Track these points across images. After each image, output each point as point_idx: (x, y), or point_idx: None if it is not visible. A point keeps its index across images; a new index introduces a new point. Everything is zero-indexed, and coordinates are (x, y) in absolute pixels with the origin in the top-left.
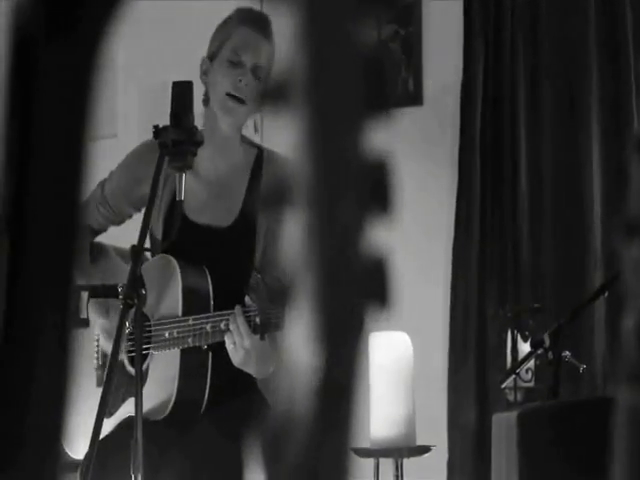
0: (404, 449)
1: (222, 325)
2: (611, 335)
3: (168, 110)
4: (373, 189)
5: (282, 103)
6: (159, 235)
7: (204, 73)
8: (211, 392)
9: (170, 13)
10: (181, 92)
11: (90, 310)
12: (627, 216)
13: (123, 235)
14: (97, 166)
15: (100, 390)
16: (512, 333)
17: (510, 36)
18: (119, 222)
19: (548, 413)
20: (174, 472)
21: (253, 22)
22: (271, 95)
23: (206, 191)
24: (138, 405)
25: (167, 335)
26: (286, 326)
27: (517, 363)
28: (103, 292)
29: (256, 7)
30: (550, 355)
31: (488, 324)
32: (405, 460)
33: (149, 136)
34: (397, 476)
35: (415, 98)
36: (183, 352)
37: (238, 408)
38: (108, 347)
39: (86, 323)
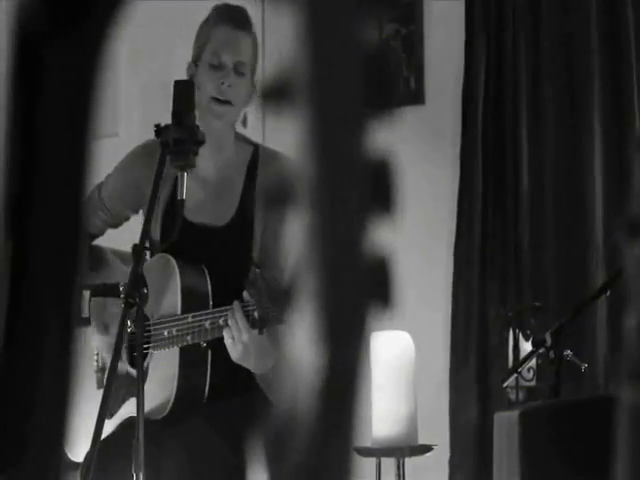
0: (406, 448)
1: (221, 321)
2: (613, 334)
3: (170, 109)
4: (376, 189)
5: (284, 103)
6: (157, 236)
7: (190, 77)
8: (211, 390)
9: (172, 12)
10: (183, 91)
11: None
12: (629, 215)
13: (119, 237)
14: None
15: (100, 392)
16: (514, 332)
17: (512, 35)
18: (117, 224)
19: (549, 412)
20: (175, 471)
21: (230, 19)
22: (273, 95)
23: (202, 190)
24: (140, 404)
25: (166, 334)
26: (289, 326)
27: (519, 362)
28: (105, 291)
29: (233, 2)
30: (552, 354)
31: (490, 323)
32: (407, 459)
33: (151, 135)
34: (399, 475)
35: (416, 97)
36: (182, 351)
37: (239, 406)
38: (108, 359)
39: (87, 322)
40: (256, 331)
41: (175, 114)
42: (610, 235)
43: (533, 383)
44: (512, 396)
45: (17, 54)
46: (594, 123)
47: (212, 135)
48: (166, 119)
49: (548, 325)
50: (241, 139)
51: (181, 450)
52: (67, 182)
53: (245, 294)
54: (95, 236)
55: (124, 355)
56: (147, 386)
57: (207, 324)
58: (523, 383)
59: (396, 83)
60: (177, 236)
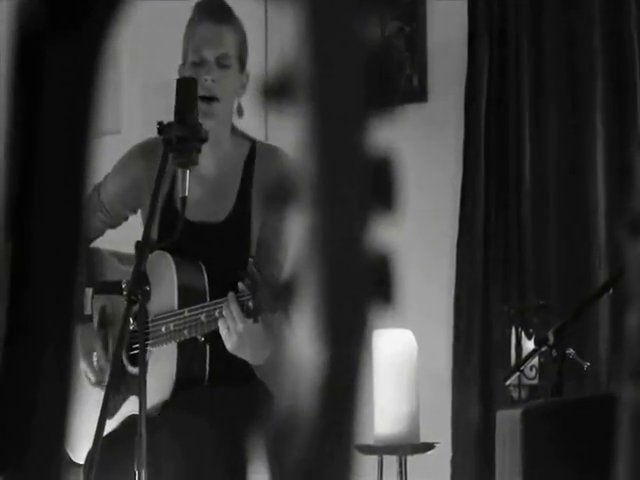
0: (408, 446)
1: (216, 313)
2: (615, 333)
3: (172, 106)
4: (377, 186)
5: (286, 101)
6: (154, 234)
7: None
8: (210, 384)
9: (175, 10)
10: (185, 89)
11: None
12: (632, 214)
13: (116, 237)
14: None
15: (98, 391)
16: (516, 330)
17: (514, 33)
18: (116, 225)
19: (552, 411)
20: (175, 467)
21: (210, 14)
22: (275, 93)
23: (199, 187)
24: (142, 401)
25: (164, 330)
26: (289, 323)
27: (521, 360)
28: (107, 289)
29: None
30: (554, 353)
31: (492, 321)
32: (409, 457)
33: (153, 132)
34: (401, 473)
35: (419, 95)
36: (180, 346)
37: (239, 399)
38: (102, 363)
39: (89, 319)
40: (251, 321)
41: (178, 112)
42: (613, 234)
43: (536, 381)
44: (514, 394)
45: (17, 53)
46: (597, 122)
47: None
48: (168, 117)
49: (551, 323)
50: (238, 135)
51: (181, 447)
52: (67, 181)
53: (240, 285)
54: (95, 237)
55: (123, 354)
56: (147, 383)
57: (203, 317)
58: (525, 381)
59: (398, 81)
60: (177, 234)
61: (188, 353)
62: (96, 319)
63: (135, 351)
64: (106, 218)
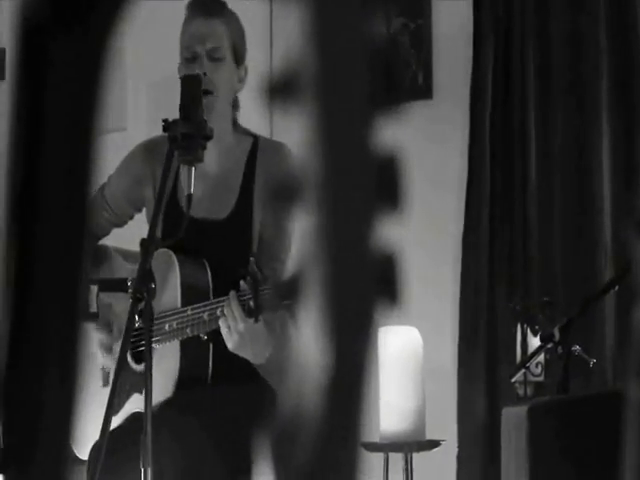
0: (413, 443)
1: (218, 312)
2: (621, 329)
3: (178, 103)
4: (383, 185)
5: (291, 100)
6: (159, 231)
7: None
8: (213, 382)
9: (181, 6)
10: (190, 86)
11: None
12: (638, 211)
13: (121, 235)
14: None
15: (105, 390)
16: (522, 327)
17: (520, 32)
18: (121, 224)
19: (557, 407)
20: (177, 467)
21: (200, 10)
22: (280, 92)
23: (202, 184)
24: (148, 399)
25: (167, 327)
26: (295, 322)
27: (527, 357)
28: (112, 286)
29: None
30: (560, 349)
31: (498, 318)
32: (414, 454)
33: (159, 129)
34: (406, 470)
35: (425, 92)
36: (183, 344)
37: (243, 398)
38: (104, 358)
39: (95, 317)
40: (252, 320)
41: (183, 109)
42: (618, 232)
43: (541, 378)
44: (520, 391)
45: (22, 48)
46: (602, 122)
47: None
48: (174, 114)
49: (556, 320)
50: (241, 131)
51: (183, 446)
52: (72, 178)
53: (242, 283)
54: (101, 236)
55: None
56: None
57: (206, 315)
58: (531, 378)
59: (403, 79)
60: (182, 232)
61: (191, 351)
62: (103, 316)
63: (139, 349)
64: (111, 217)
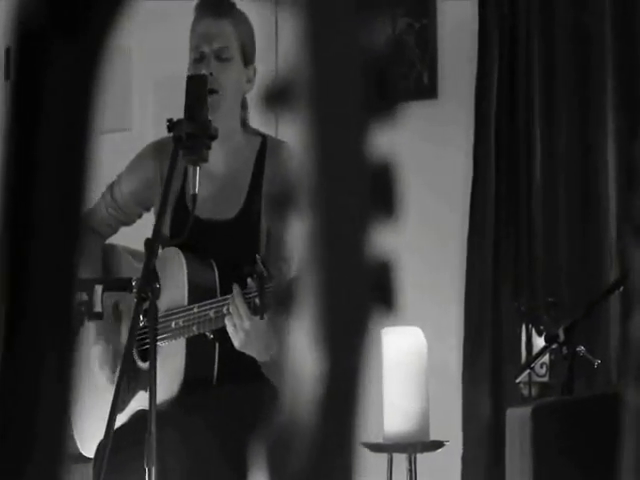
0: (417, 444)
1: (225, 310)
2: (626, 330)
3: (183, 104)
4: (378, 192)
5: (287, 106)
6: (166, 230)
7: None
8: (219, 381)
9: (186, 5)
10: (195, 86)
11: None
12: (636, 216)
13: (129, 233)
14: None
15: (111, 387)
16: (527, 328)
17: (525, 30)
18: (129, 223)
19: (562, 408)
20: (182, 466)
21: (208, 10)
22: (276, 99)
23: (210, 183)
24: (152, 398)
25: (173, 325)
26: (288, 330)
27: (532, 358)
28: (117, 286)
29: None
30: (565, 350)
31: (503, 319)
32: (418, 455)
33: (164, 129)
34: (410, 471)
35: (429, 91)
36: (189, 343)
37: (248, 398)
38: (101, 374)
39: (100, 316)
40: (257, 317)
41: (187, 109)
42: (623, 231)
43: (546, 379)
44: (525, 392)
45: (18, 52)
46: (608, 121)
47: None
48: (179, 114)
49: (561, 321)
50: (250, 131)
51: (187, 446)
52: (68, 179)
53: (249, 281)
54: (108, 234)
55: (134, 349)
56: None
57: (212, 313)
58: (536, 379)
59: (408, 77)
60: (187, 232)
61: (197, 350)
62: (108, 315)
63: (145, 346)
64: (120, 215)
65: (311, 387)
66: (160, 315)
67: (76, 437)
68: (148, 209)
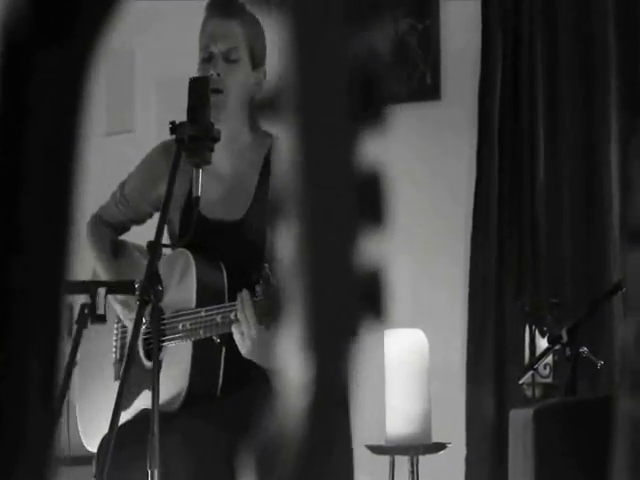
0: (420, 446)
1: (232, 315)
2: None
3: (186, 105)
4: (367, 200)
5: (275, 115)
6: (177, 231)
7: None
8: (224, 386)
9: (190, 7)
10: (198, 88)
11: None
12: (632, 223)
13: (140, 232)
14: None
15: (117, 384)
16: (530, 328)
17: (528, 30)
18: (140, 221)
19: (564, 410)
20: (186, 469)
21: (218, 11)
22: (265, 107)
23: (217, 185)
24: (155, 399)
25: (181, 327)
26: (279, 338)
27: (535, 359)
28: (120, 288)
29: None
30: (568, 351)
31: (506, 320)
32: (420, 457)
33: (167, 131)
34: (412, 473)
35: (433, 92)
36: (195, 346)
37: (252, 403)
38: (127, 321)
39: (103, 319)
40: (263, 327)
41: (190, 111)
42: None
43: (549, 380)
44: (528, 393)
45: (4, 56)
46: (611, 120)
47: (225, 130)
48: (182, 116)
49: (564, 321)
50: (260, 132)
51: (191, 450)
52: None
53: (257, 289)
54: (120, 232)
55: (140, 348)
56: (161, 379)
57: (219, 318)
58: (539, 380)
59: (411, 78)
60: (193, 233)
61: (203, 354)
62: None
63: (152, 346)
64: (130, 213)
65: (298, 395)
66: (168, 316)
67: (81, 432)
68: (158, 208)
